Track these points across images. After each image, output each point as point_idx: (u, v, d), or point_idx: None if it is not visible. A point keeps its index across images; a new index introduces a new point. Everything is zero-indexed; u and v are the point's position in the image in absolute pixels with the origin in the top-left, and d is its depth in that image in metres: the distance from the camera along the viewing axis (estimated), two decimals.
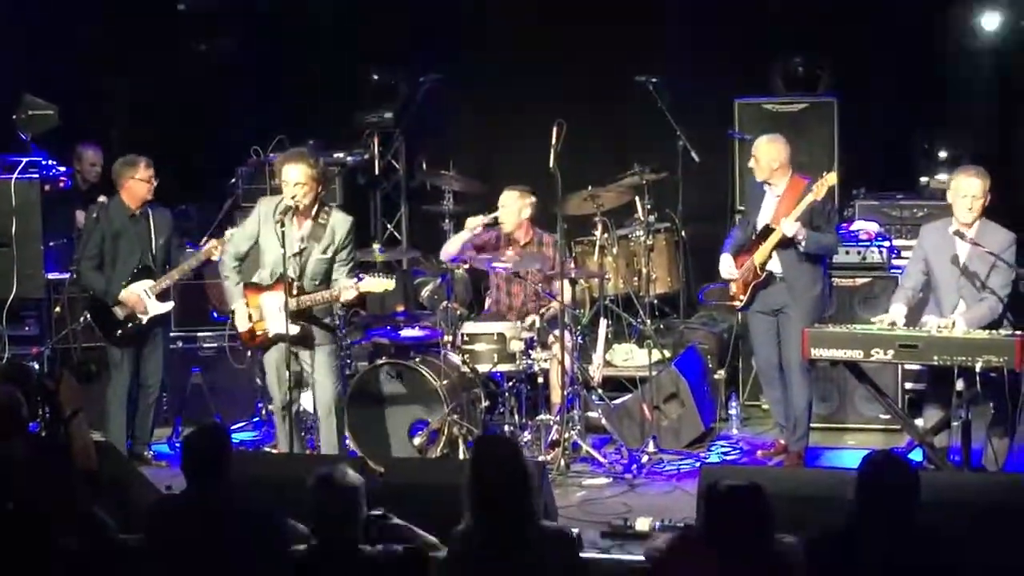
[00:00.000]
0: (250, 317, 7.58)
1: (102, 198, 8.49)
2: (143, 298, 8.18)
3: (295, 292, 7.42)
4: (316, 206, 7.50)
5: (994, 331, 7.21)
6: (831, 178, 7.62)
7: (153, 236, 8.28)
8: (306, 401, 7.97)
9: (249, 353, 7.87)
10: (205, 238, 9.76)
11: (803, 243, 7.67)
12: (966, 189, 7.38)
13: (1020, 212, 8.11)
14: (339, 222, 7.55)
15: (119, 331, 8.22)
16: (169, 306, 8.30)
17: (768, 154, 7.85)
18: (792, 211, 7.68)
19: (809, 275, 7.82)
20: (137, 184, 8.24)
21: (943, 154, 9.81)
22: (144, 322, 8.21)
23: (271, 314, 7.49)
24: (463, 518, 4.84)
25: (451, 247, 8.71)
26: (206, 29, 11.05)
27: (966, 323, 7.23)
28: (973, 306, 7.32)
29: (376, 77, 10.98)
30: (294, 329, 7.45)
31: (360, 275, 7.53)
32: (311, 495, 4.87)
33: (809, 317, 7.71)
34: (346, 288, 7.40)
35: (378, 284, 7.45)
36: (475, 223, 8.58)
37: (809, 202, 7.63)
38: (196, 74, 11.03)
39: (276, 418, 7.80)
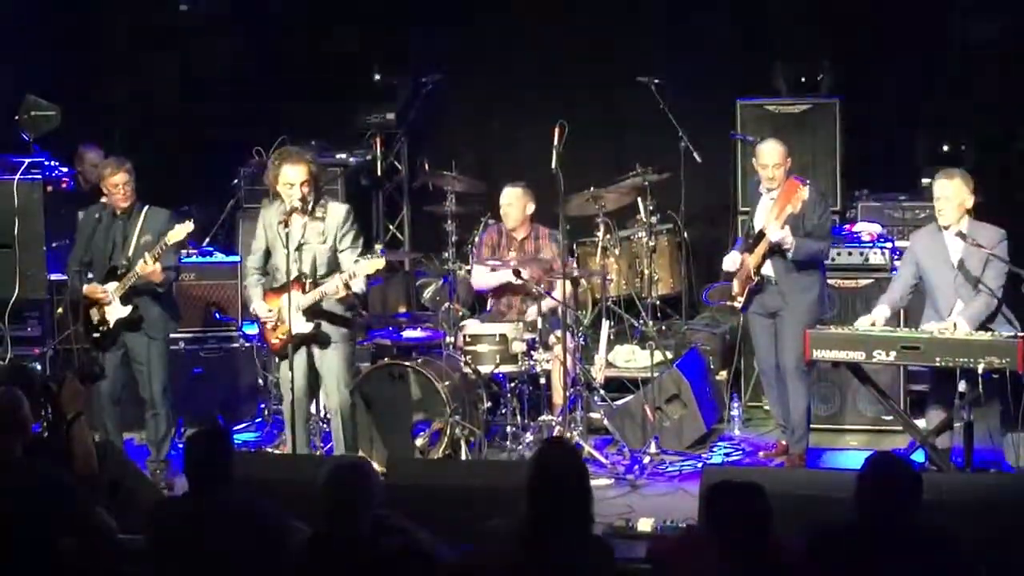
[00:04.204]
0: (277, 321, 7.61)
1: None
2: (109, 299, 7.89)
3: (307, 289, 7.45)
4: (314, 201, 7.54)
5: (996, 332, 7.21)
6: (804, 192, 7.57)
7: (135, 236, 7.89)
8: (314, 402, 7.97)
9: (277, 359, 7.85)
10: (207, 239, 9.81)
11: (791, 251, 7.68)
12: (936, 191, 7.47)
13: (1021, 213, 8.11)
14: (334, 211, 7.60)
15: (94, 334, 7.97)
16: (127, 311, 7.88)
17: (781, 155, 7.81)
18: (781, 216, 7.68)
19: (803, 279, 7.82)
20: (106, 188, 7.93)
21: (945, 152, 9.80)
22: (112, 326, 7.91)
23: (289, 315, 7.49)
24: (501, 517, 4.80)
25: (481, 280, 8.84)
26: (208, 29, 11.04)
27: (966, 321, 7.23)
28: (969, 303, 7.33)
29: (378, 78, 10.97)
30: (308, 327, 7.46)
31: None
32: (324, 484, 4.83)
33: (804, 321, 7.70)
34: (349, 277, 7.39)
35: (369, 265, 7.43)
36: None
37: (789, 213, 7.62)
38: (198, 74, 11.03)
39: (286, 420, 7.75)
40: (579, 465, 4.84)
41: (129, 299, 7.89)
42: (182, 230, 7.73)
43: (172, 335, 8.33)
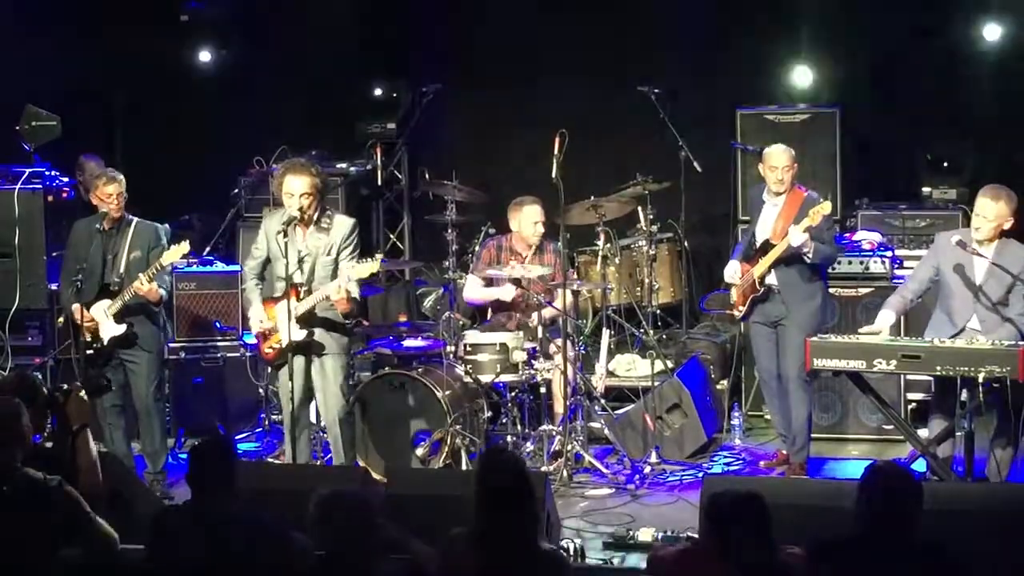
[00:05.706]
0: (268, 330, 7.59)
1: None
2: (100, 319, 7.79)
3: (302, 297, 7.44)
4: (318, 213, 7.53)
5: (998, 341, 7.20)
6: (826, 207, 7.57)
7: (125, 253, 7.85)
8: (314, 412, 7.97)
9: (270, 369, 7.83)
10: (208, 248, 9.82)
11: (809, 255, 7.68)
12: (978, 208, 7.38)
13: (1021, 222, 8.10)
14: (340, 224, 7.59)
15: (87, 351, 7.85)
16: (121, 329, 7.81)
17: (790, 158, 7.83)
18: (792, 223, 7.66)
19: (806, 288, 7.83)
20: (97, 200, 7.87)
21: (945, 164, 9.81)
22: (105, 344, 7.83)
23: (283, 323, 7.48)
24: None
25: (473, 294, 8.80)
26: (208, 40, 11.05)
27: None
28: (996, 331, 7.29)
29: (378, 88, 10.99)
30: (301, 334, 7.45)
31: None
32: (318, 510, 4.83)
33: (807, 329, 7.71)
34: (335, 288, 7.36)
35: (364, 269, 7.41)
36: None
37: (806, 227, 7.62)
38: (199, 85, 11.05)
39: (286, 429, 7.72)
40: (519, 479, 4.87)
41: (123, 317, 7.84)
42: (178, 251, 7.70)
43: (171, 344, 8.32)
